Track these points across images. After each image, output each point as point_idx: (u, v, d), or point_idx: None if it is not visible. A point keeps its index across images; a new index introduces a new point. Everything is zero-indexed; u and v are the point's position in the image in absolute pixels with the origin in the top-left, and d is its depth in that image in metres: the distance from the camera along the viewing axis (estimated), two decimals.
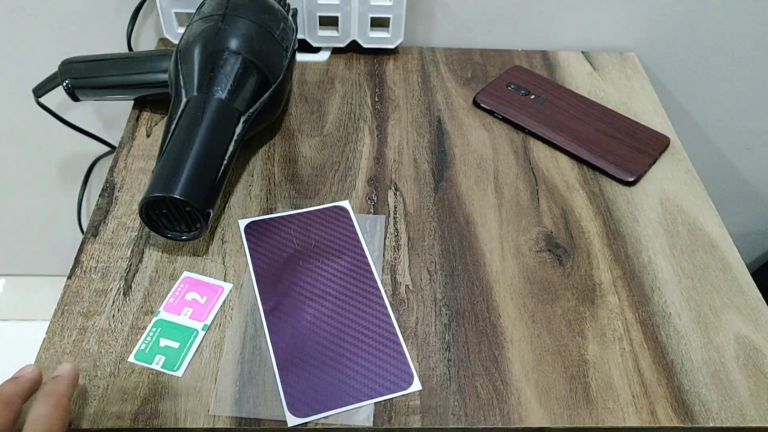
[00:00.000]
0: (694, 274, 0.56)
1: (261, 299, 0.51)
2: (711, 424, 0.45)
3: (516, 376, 0.48)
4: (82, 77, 0.64)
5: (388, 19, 0.73)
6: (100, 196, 0.59)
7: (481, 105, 0.71)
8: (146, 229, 0.56)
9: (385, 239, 0.56)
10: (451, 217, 0.59)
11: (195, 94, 0.55)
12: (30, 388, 0.42)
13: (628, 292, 0.54)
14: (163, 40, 0.80)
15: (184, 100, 0.55)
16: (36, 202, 1.04)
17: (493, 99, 0.71)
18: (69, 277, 0.53)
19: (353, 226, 0.57)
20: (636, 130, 0.68)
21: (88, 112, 0.89)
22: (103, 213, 0.58)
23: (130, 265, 0.54)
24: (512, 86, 0.73)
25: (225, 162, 0.54)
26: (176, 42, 0.74)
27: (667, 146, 0.67)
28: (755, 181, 1.03)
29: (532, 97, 0.71)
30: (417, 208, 0.59)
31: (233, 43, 0.57)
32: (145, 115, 0.68)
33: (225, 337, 0.49)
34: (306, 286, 0.52)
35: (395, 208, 0.59)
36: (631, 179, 0.63)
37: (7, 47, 0.82)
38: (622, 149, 0.66)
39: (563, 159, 0.65)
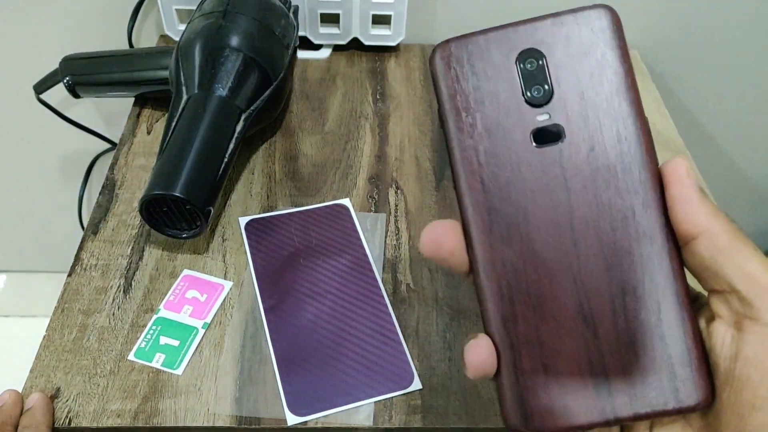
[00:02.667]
0: None
1: (261, 297, 0.51)
2: None
3: None
4: (83, 74, 0.64)
5: (390, 16, 0.73)
6: (100, 193, 0.59)
7: None
8: (146, 226, 0.56)
9: (386, 238, 0.56)
10: (452, 215, 0.59)
11: (196, 91, 0.55)
12: (17, 413, 0.42)
13: None
14: (164, 37, 0.80)
15: (184, 97, 0.55)
16: (37, 199, 1.04)
17: None
18: (69, 275, 0.52)
19: (354, 225, 0.57)
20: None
21: (88, 108, 0.89)
22: (103, 210, 0.57)
23: (131, 262, 0.53)
24: None
25: (226, 160, 0.53)
26: (177, 39, 0.74)
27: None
28: (759, 181, 1.02)
29: None
30: (418, 207, 0.59)
31: (234, 41, 0.56)
32: (146, 112, 0.67)
33: (225, 335, 0.49)
34: (306, 284, 0.52)
35: (396, 206, 0.59)
36: None
37: (8, 44, 0.81)
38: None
39: None
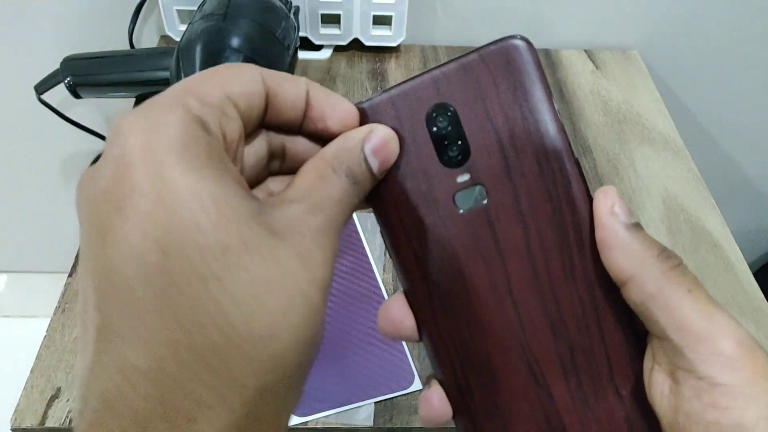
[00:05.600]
0: (695, 274, 0.55)
1: None
2: None
3: None
4: (84, 74, 0.64)
5: (391, 17, 0.73)
6: None
7: None
8: None
9: None
10: None
11: None
12: None
13: None
14: (164, 38, 0.80)
15: None
16: (38, 199, 1.04)
17: None
18: (70, 275, 0.53)
19: (354, 225, 0.57)
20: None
21: (89, 109, 0.89)
22: None
23: None
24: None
25: None
26: (178, 40, 0.74)
27: None
28: (759, 180, 1.03)
29: None
30: None
31: (235, 42, 0.56)
32: None
33: None
34: None
35: None
36: None
37: (9, 44, 0.82)
38: None
39: None
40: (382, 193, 0.25)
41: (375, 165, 0.23)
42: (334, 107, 0.23)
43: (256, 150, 0.23)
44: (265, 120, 0.23)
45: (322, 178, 0.22)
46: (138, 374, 0.18)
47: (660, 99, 0.74)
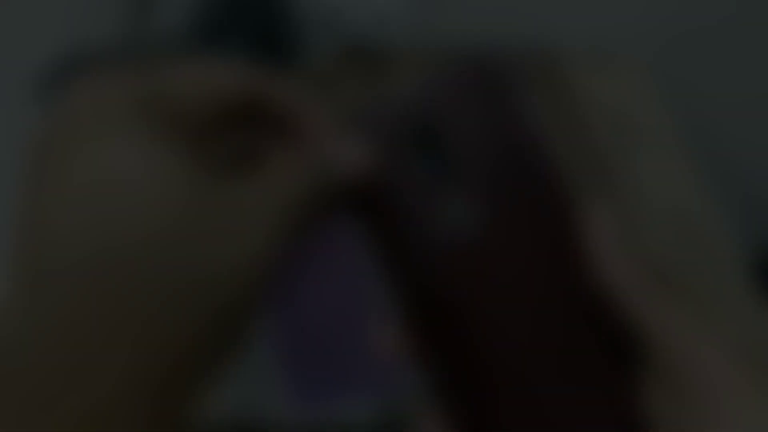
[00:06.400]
0: (694, 276, 0.55)
1: None
2: None
3: None
4: (83, 74, 0.64)
5: (392, 18, 0.73)
6: None
7: None
8: None
9: None
10: None
11: None
12: None
13: None
14: (164, 36, 0.80)
15: None
16: None
17: None
18: None
19: (351, 222, 0.57)
20: None
21: None
22: None
23: None
24: None
25: None
26: (178, 38, 0.75)
27: None
28: (761, 182, 1.03)
29: None
30: None
31: (234, 42, 0.57)
32: None
33: None
34: (308, 281, 0.52)
35: None
36: None
37: (7, 43, 0.82)
38: None
39: None
40: (367, 215, 0.25)
41: (347, 180, 0.23)
42: (315, 118, 0.23)
43: (228, 147, 0.23)
44: (245, 119, 0.23)
45: (289, 182, 0.22)
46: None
47: (660, 99, 0.74)
